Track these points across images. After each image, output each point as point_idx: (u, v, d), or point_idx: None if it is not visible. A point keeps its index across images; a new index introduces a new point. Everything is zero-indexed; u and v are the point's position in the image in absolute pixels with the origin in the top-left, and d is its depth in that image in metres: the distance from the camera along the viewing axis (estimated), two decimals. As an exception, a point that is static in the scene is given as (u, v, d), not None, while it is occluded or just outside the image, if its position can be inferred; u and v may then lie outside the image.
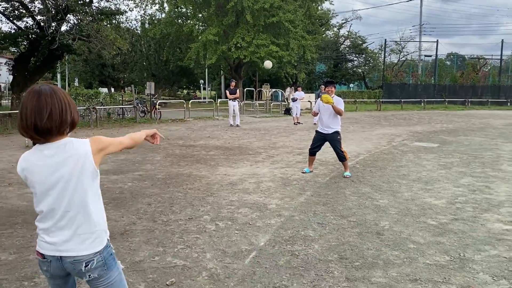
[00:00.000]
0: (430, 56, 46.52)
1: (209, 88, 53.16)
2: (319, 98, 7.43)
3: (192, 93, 61.38)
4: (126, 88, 41.21)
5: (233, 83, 17.35)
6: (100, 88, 32.93)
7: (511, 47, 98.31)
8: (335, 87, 7.75)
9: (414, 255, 4.00)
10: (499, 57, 42.39)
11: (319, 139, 7.61)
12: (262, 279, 3.50)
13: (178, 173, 7.74)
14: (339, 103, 7.36)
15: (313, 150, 7.72)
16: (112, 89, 39.60)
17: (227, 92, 16.97)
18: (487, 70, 46.62)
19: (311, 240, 4.38)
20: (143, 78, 38.34)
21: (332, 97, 7.42)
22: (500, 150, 10.74)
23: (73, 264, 1.92)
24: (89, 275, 1.94)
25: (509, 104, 36.59)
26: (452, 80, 41.41)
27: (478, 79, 40.98)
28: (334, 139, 7.40)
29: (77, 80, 44.20)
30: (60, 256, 1.92)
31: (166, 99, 35.06)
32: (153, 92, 19.45)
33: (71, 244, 1.91)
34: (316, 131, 7.71)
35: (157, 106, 18.82)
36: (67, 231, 1.91)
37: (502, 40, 41.05)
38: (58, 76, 40.39)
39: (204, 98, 45.43)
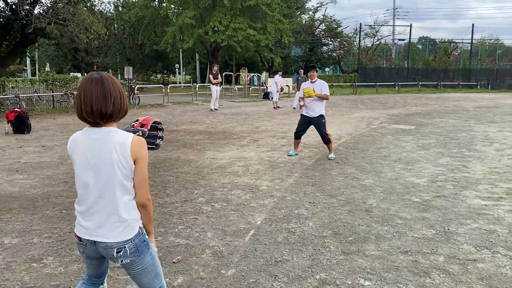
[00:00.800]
0: (404, 40, 47.33)
1: (183, 72, 52.59)
2: (303, 89, 7.56)
3: (166, 77, 60.58)
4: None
5: (215, 68, 17.40)
6: (72, 73, 32.19)
7: (481, 31, 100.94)
8: (316, 71, 7.92)
9: (402, 229, 4.27)
10: (469, 41, 43.52)
11: (304, 123, 7.81)
12: (263, 254, 3.69)
13: (166, 157, 7.82)
14: (323, 87, 7.56)
15: (298, 134, 7.92)
16: (85, 74, 38.76)
17: (211, 76, 17.00)
18: (457, 54, 47.79)
19: (305, 218, 4.59)
20: (117, 62, 37.62)
21: (315, 81, 7.61)
22: (473, 132, 11.22)
23: (105, 249, 2.02)
24: (121, 260, 2.04)
25: (479, 87, 37.76)
26: (425, 64, 42.26)
27: (450, 62, 42.00)
28: (319, 122, 7.60)
29: (48, 65, 42.98)
30: (94, 241, 2.03)
31: (140, 84, 34.59)
32: (131, 77, 19.22)
33: (102, 230, 2.00)
34: (301, 115, 7.90)
35: (135, 91, 18.63)
36: (98, 217, 2.00)
37: (473, 24, 42.14)
38: (28, 60, 39.20)
39: (179, 82, 44.93)
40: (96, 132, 1.96)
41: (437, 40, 56.13)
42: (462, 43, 48.54)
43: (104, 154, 1.94)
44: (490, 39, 57.38)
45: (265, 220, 4.55)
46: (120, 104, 1.96)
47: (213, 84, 16.79)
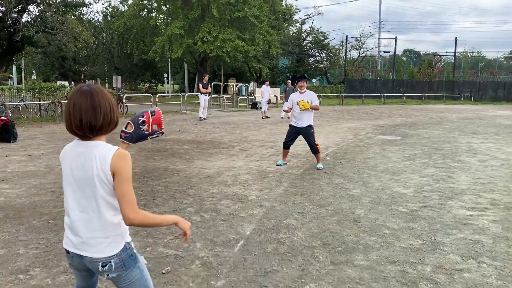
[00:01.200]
0: (389, 52, 48.14)
1: (172, 82, 52.55)
2: (296, 103, 7.60)
3: (153, 86, 60.42)
4: (87, 82, 40.08)
5: (206, 77, 17.62)
6: (59, 82, 31.95)
7: (463, 44, 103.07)
8: (306, 82, 8.03)
9: (390, 239, 4.33)
10: (452, 54, 44.39)
11: (293, 133, 7.87)
12: (253, 265, 3.71)
13: (155, 167, 7.80)
14: (314, 98, 7.66)
15: (287, 144, 7.97)
16: (73, 83, 38.47)
17: (200, 86, 17.19)
18: (441, 66, 48.65)
19: (294, 228, 4.63)
20: (105, 71, 37.45)
21: (304, 92, 7.71)
22: (457, 143, 11.42)
23: (91, 263, 2.01)
24: (107, 275, 2.01)
25: (462, 99, 38.44)
26: (410, 76, 42.91)
27: (434, 74, 42.71)
28: (308, 132, 7.68)
29: (35, 73, 42.54)
30: (80, 254, 2.01)
31: (128, 93, 34.47)
32: (119, 86, 19.16)
33: (86, 245, 1.98)
34: (290, 125, 7.96)
35: (123, 100, 18.56)
36: (82, 232, 1.98)
37: (456, 38, 43.06)
38: (14, 68, 38.81)
39: (168, 91, 44.86)
40: (82, 145, 1.95)
41: (421, 53, 57.22)
42: (446, 55, 49.58)
43: (87, 169, 1.91)
44: (472, 52, 58.56)
45: (254, 230, 4.57)
46: (110, 117, 1.94)
47: (201, 93, 16.93)
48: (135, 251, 2.09)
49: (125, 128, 2.36)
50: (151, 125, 2.38)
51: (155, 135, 2.42)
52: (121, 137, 2.34)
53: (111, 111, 1.95)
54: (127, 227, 2.04)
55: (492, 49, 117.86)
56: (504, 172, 7.71)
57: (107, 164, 1.89)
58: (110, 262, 1.98)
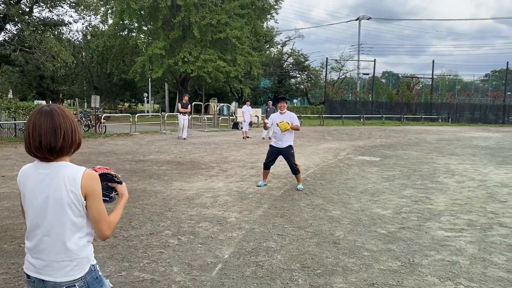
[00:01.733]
0: (368, 74, 49.13)
1: (152, 102, 52.36)
2: (277, 125, 7.63)
3: (133, 106, 60.05)
4: (65, 101, 39.62)
5: (186, 98, 17.71)
6: (36, 101, 31.47)
7: (440, 67, 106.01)
8: (287, 103, 8.09)
9: (369, 261, 4.31)
10: (430, 76, 45.51)
11: (274, 153, 7.87)
12: (231, 289, 3.63)
13: (132, 188, 7.65)
14: (294, 119, 7.70)
15: (268, 164, 7.96)
16: (50, 102, 37.95)
17: (179, 105, 17.26)
18: (419, 88, 49.80)
19: (274, 251, 4.57)
20: (84, 91, 37.10)
21: (285, 112, 7.76)
22: (435, 164, 11.60)
23: (54, 287, 1.92)
24: None
25: (440, 120, 39.32)
26: (389, 97, 43.77)
27: (412, 96, 43.66)
28: (288, 152, 7.69)
29: (11, 91, 41.83)
30: (43, 279, 1.93)
31: (107, 113, 34.14)
32: (98, 106, 18.95)
33: (50, 269, 1.91)
34: (270, 146, 7.97)
35: (102, 120, 18.34)
36: (46, 255, 1.91)
37: (433, 60, 44.22)
38: (-10, 87, 38.08)
39: (148, 111, 44.63)
40: (45, 167, 1.89)
41: (400, 75, 58.51)
42: (424, 78, 50.73)
43: (53, 191, 1.86)
44: (449, 75, 60.24)
45: (233, 253, 4.49)
46: (71, 138, 1.89)
47: (180, 113, 17.02)
48: (100, 273, 2.04)
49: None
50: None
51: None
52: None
53: (73, 131, 1.90)
54: (92, 249, 2.00)
55: (468, 72, 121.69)
56: (481, 193, 7.83)
57: (78, 185, 1.85)
58: (75, 285, 1.91)
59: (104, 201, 2.08)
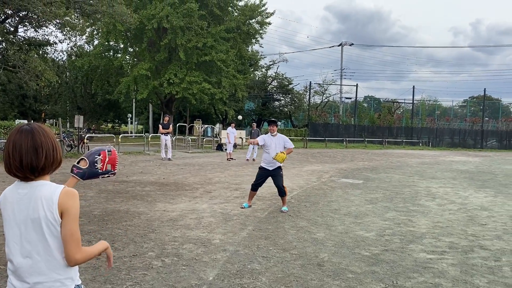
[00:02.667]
0: (350, 98, 49.96)
1: (136, 122, 52.12)
2: (273, 157, 7.68)
3: (117, 127, 59.57)
4: (47, 121, 39.13)
5: (166, 118, 17.76)
6: (17, 120, 30.99)
7: (421, 92, 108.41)
8: (277, 126, 8.19)
9: (353, 284, 4.32)
10: (411, 101, 46.53)
11: (263, 175, 7.90)
12: (215, 312, 3.59)
13: (115, 209, 7.56)
14: (287, 141, 7.88)
15: (256, 186, 7.98)
16: (32, 121, 37.46)
17: (160, 126, 17.31)
18: (400, 112, 50.81)
19: (258, 273, 4.55)
20: (67, 110, 36.76)
21: (275, 135, 7.86)
22: (417, 187, 11.77)
23: None
24: None
25: (420, 144, 40.03)
26: (370, 121, 44.52)
27: (394, 120, 44.50)
28: (277, 174, 7.75)
29: (-9, 110, 41.17)
30: None
31: (90, 133, 33.82)
32: (81, 126, 18.78)
33: None
34: (260, 167, 8.00)
35: (85, 140, 18.16)
36: (28, 277, 1.87)
37: (413, 86, 45.32)
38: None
39: (131, 132, 44.34)
40: (25, 187, 1.86)
41: (381, 99, 59.58)
42: (404, 103, 51.81)
43: (31, 211, 1.83)
44: (429, 100, 61.68)
45: (217, 275, 4.46)
46: (53, 156, 1.87)
47: (161, 133, 17.14)
48: None
49: (78, 163, 2.28)
50: (106, 164, 2.33)
51: (107, 175, 2.36)
52: (72, 172, 2.26)
53: (54, 150, 1.89)
54: (77, 268, 1.97)
55: (448, 98, 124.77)
56: (461, 216, 7.97)
57: (55, 203, 1.82)
58: None
59: (96, 173, 2.15)
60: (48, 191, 1.83)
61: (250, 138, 19.74)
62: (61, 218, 1.83)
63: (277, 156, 7.55)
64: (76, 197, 1.87)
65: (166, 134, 17.21)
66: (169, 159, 17.06)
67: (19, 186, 1.88)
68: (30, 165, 1.81)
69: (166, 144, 17.23)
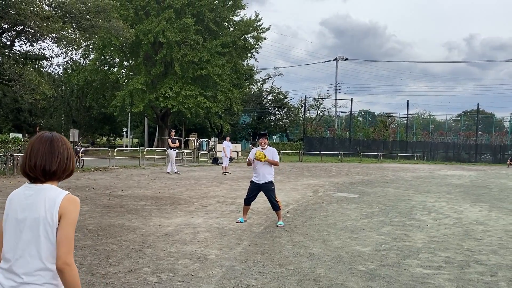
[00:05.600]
0: (345, 112, 50.27)
1: (131, 136, 52.02)
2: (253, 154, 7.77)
3: (112, 141, 59.33)
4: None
5: (173, 133, 18.02)
6: (12, 134, 30.83)
7: (415, 107, 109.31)
8: (267, 139, 8.21)
9: (350, 299, 4.30)
10: (405, 116, 46.85)
11: (254, 189, 7.89)
12: (211, 329, 3.56)
13: (110, 224, 7.51)
14: (274, 154, 7.81)
15: (249, 200, 7.95)
16: (27, 135, 37.29)
17: (170, 141, 17.53)
18: (395, 127, 51.10)
19: (254, 289, 4.52)
20: (62, 124, 36.67)
21: (266, 149, 7.86)
22: (412, 201, 11.79)
23: None
24: None
25: (415, 158, 40.18)
26: (365, 135, 44.72)
27: (388, 134, 44.72)
28: (268, 189, 7.73)
29: (-14, 124, 40.97)
30: None
31: (85, 147, 33.70)
32: (76, 140, 18.73)
33: None
34: (251, 181, 7.99)
35: (80, 154, 18.08)
36: (18, 277, 1.88)
37: (408, 100, 45.84)
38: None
39: (126, 146, 44.20)
40: (32, 188, 1.94)
41: (376, 114, 59.96)
42: (399, 117, 52.16)
43: (33, 211, 1.89)
44: (423, 114, 62.14)
45: (213, 291, 4.42)
46: (66, 164, 1.97)
47: (171, 148, 17.25)
48: None
49: None
50: None
51: None
52: None
53: (68, 158, 1.99)
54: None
55: (442, 112, 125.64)
56: (457, 230, 7.97)
57: (56, 206, 1.88)
58: None
59: None
60: (53, 194, 1.91)
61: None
62: (59, 222, 1.88)
63: (258, 152, 7.67)
64: (78, 204, 1.94)
65: (174, 148, 17.38)
66: (176, 172, 17.34)
67: (26, 188, 1.96)
68: (43, 167, 1.91)
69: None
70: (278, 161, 7.92)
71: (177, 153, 18.43)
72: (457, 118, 65.55)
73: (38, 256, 1.88)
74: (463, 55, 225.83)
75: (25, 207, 1.90)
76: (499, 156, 42.31)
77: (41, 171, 1.92)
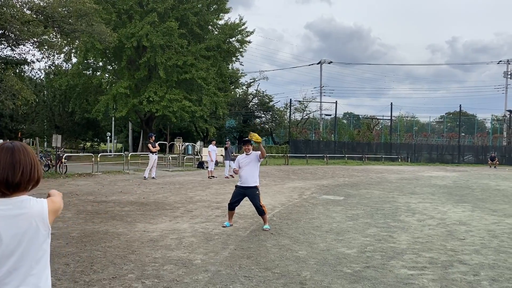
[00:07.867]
0: (330, 115, 50.57)
1: (115, 141, 51.48)
2: (251, 137, 7.81)
3: (95, 146, 58.73)
4: (24, 140, 38.30)
5: (153, 138, 17.74)
6: (-8, 139, 30.27)
7: (399, 109, 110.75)
8: (251, 145, 8.22)
9: (336, 302, 4.31)
10: (389, 118, 47.35)
11: (239, 194, 7.87)
12: (197, 335, 3.53)
13: (94, 230, 7.41)
14: (259, 155, 7.85)
15: (233, 205, 7.93)
16: (7, 141, 36.61)
17: (150, 146, 17.25)
18: (379, 129, 51.61)
19: (240, 293, 4.50)
20: (45, 130, 36.13)
21: (250, 154, 7.88)
22: (397, 203, 11.90)
23: None
24: None
25: (399, 160, 40.62)
26: (350, 138, 45.04)
27: (373, 137, 45.12)
28: (253, 194, 7.72)
29: (-35, 130, 40.12)
30: None
31: (68, 152, 33.23)
32: (59, 145, 18.46)
33: None
34: (236, 186, 7.98)
35: (63, 160, 17.83)
36: None
37: (391, 103, 46.27)
38: None
39: (110, 151, 43.73)
40: (5, 203, 1.87)
41: (360, 116, 60.54)
42: (383, 119, 52.65)
43: (19, 226, 1.85)
44: (407, 116, 62.90)
45: (199, 296, 4.39)
46: (30, 174, 1.91)
47: (152, 152, 17.02)
48: None
49: None
50: None
51: None
52: None
53: (32, 168, 1.93)
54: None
55: (425, 114, 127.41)
56: (440, 231, 8.07)
57: (45, 216, 1.91)
58: None
59: None
60: (38, 207, 1.91)
61: (225, 156, 19.81)
62: (56, 214, 2.00)
63: (253, 135, 7.70)
64: (57, 200, 2.04)
65: (155, 152, 17.24)
66: (153, 178, 17.03)
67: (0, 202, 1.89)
68: (5, 180, 1.85)
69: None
70: (265, 154, 8.04)
71: (159, 157, 18.19)
72: (440, 119, 66.58)
73: (33, 269, 1.90)
74: (446, 58, 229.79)
75: (9, 223, 1.85)
76: (481, 157, 43.03)
77: (4, 184, 1.85)
